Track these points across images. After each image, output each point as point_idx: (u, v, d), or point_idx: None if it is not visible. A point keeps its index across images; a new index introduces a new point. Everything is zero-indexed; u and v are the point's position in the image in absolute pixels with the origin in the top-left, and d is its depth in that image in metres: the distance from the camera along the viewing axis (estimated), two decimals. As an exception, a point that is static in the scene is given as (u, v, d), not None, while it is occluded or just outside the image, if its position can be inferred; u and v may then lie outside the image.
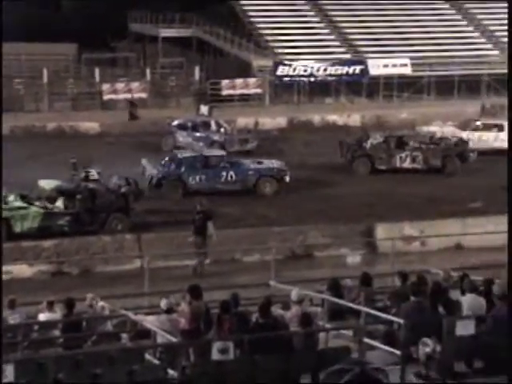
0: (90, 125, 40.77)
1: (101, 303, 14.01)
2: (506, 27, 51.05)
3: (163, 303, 12.93)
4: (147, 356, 11.64)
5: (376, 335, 13.22)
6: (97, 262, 21.99)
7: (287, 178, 29.36)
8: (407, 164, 32.33)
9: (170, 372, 11.03)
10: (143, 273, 19.20)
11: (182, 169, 29.00)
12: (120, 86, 45.08)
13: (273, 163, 30.24)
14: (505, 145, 32.46)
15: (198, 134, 36.34)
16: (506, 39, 50.36)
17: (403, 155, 32.40)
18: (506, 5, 52.02)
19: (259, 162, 30.15)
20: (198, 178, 28.90)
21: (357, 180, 31.22)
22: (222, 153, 30.76)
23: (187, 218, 23.41)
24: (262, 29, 49.94)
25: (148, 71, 47.57)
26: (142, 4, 54.87)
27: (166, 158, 29.94)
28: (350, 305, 13.99)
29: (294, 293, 13.35)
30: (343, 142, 33.65)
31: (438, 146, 33.05)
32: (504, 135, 34.65)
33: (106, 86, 44.92)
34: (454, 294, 13.54)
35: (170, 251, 22.13)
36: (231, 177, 29.09)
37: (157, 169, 29.17)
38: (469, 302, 12.87)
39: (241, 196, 28.33)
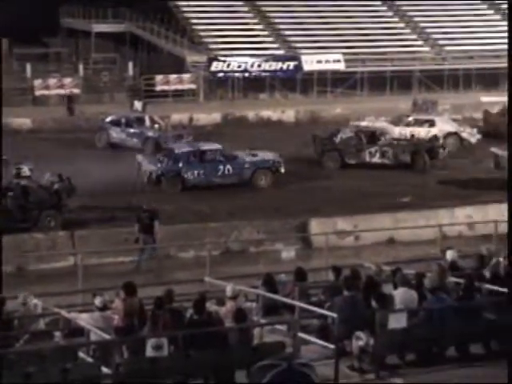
0: (21, 121, 40.18)
1: (34, 301, 13.83)
2: (435, 24, 51.94)
3: (97, 300, 12.82)
4: (81, 354, 11.55)
5: (310, 330, 13.33)
6: (30, 259, 21.71)
7: (282, 170, 29.60)
8: (377, 159, 32.27)
9: (104, 369, 10.96)
10: (77, 270, 19.02)
11: (180, 164, 29.00)
12: (52, 81, 44.55)
13: (268, 155, 30.51)
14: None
15: (131, 131, 36.10)
16: (437, 36, 51.22)
17: (373, 150, 32.39)
18: (437, 2, 52.91)
19: (254, 155, 30.25)
20: (196, 172, 28.96)
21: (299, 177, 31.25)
22: (218, 146, 30.37)
23: (123, 214, 23.25)
24: (196, 24, 49.82)
25: (81, 67, 47.09)
26: (74, -1, 54.30)
27: (162, 153, 30.00)
28: (285, 300, 14.06)
29: (229, 288, 13.38)
30: (316, 136, 33.72)
31: (408, 142, 33.09)
32: (435, 130, 35.16)
33: (37, 82, 44.36)
34: (387, 288, 13.69)
35: (104, 248, 21.95)
36: (228, 170, 29.19)
37: (153, 164, 29.17)
38: (401, 295, 13.03)
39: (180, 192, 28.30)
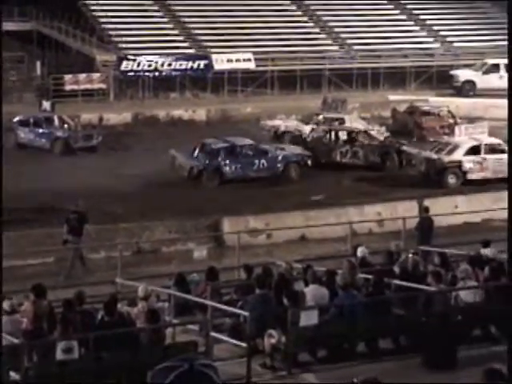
0: None
1: None
2: (344, 23, 52.56)
3: (6, 304, 12.60)
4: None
5: (223, 328, 13.35)
6: None
7: (309, 162, 30.73)
8: (347, 159, 32.37)
9: (13, 374, 10.77)
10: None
11: (219, 159, 29.91)
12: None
13: (296, 149, 31.74)
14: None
15: (40, 131, 35.56)
16: (345, 35, 51.81)
17: (343, 150, 32.49)
18: (345, 2, 53.56)
19: (282, 149, 31.55)
20: (233, 167, 30.03)
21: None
22: (251, 142, 31.44)
23: (29, 216, 22.84)
24: (105, 23, 49.32)
25: (-13, 66, 46.12)
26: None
27: (197, 148, 30.55)
28: (197, 299, 14.05)
29: (141, 289, 13.31)
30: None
31: (379, 143, 33.14)
32: (345, 128, 35.51)
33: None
34: (298, 285, 13.81)
35: (12, 251, 21.55)
36: (263, 164, 30.31)
37: (190, 159, 30.01)
38: (312, 292, 13.15)
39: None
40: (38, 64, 47.02)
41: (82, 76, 45.09)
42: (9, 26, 51.03)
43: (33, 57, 48.50)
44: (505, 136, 37.80)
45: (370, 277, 14.04)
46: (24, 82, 46.31)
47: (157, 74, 45.91)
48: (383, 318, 12.88)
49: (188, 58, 47.04)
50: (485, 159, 30.05)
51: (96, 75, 45.59)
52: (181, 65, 46.37)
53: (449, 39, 52.69)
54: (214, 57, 47.13)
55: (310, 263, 15.45)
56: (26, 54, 49.48)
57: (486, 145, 30.41)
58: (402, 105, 40.51)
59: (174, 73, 46.26)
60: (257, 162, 30.28)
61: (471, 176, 29.99)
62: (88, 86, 45.04)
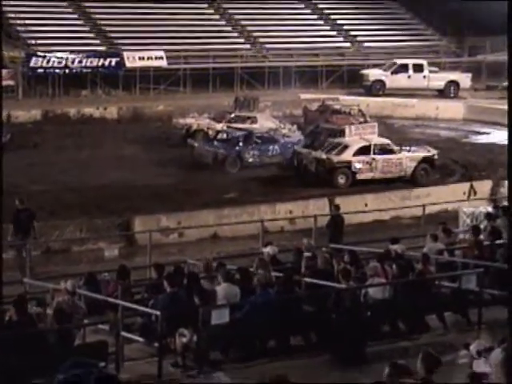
0: None
1: None
2: (256, 22, 52.77)
3: None
4: None
5: (134, 328, 13.27)
6: None
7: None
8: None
9: None
10: None
11: (240, 145, 32.07)
12: None
13: (299, 136, 34.12)
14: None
15: None
16: (257, 34, 52.02)
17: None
18: (256, 0, 53.80)
19: (288, 136, 33.83)
20: (252, 153, 32.12)
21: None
22: (263, 129, 33.97)
23: None
24: (13, 18, 48.43)
25: None
26: None
27: (218, 136, 33.33)
28: (107, 299, 13.93)
29: (69, 283, 13.06)
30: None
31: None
32: (257, 127, 35.70)
33: None
34: (209, 284, 13.81)
35: None
36: (276, 151, 32.39)
37: (212, 147, 32.28)
38: (224, 290, 13.17)
39: None
40: None
41: (-10, 72, 44.19)
42: None
43: None
44: (412, 136, 38.71)
45: (280, 275, 14.14)
46: None
47: (67, 71, 45.27)
48: (294, 316, 12.98)
49: (99, 55, 46.55)
50: (374, 159, 30.25)
51: (4, 72, 44.67)
52: (92, 62, 45.85)
53: (359, 39, 53.39)
54: (125, 54, 46.75)
55: (221, 261, 15.45)
56: None
57: (375, 145, 30.58)
58: (314, 103, 40.87)
59: (84, 70, 45.70)
60: (271, 148, 32.43)
61: (360, 176, 30.16)
62: (-4, 83, 44.16)
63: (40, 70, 44.98)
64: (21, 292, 14.82)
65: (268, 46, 51.15)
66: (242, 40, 51.86)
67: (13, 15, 48.34)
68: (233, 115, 37.07)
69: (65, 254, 22.70)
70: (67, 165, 31.57)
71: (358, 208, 25.89)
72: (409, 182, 30.29)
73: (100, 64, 46.00)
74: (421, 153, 31.38)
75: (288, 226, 25.26)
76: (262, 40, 51.69)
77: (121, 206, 26.15)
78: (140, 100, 44.59)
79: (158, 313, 12.21)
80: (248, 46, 51.41)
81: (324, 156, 30.54)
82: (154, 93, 46.36)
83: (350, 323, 12.67)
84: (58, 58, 45.10)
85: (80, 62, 45.55)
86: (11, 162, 31.56)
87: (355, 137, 31.26)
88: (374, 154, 30.42)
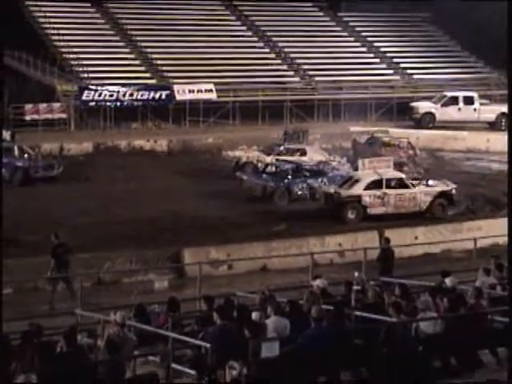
0: None
1: None
2: (306, 55, 52.97)
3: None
4: None
5: (184, 360, 13.25)
6: None
7: None
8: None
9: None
10: None
11: (289, 178, 32.29)
12: None
13: (348, 168, 34.18)
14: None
15: (-1, 160, 35.25)
16: (307, 66, 52.18)
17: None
18: (307, 33, 54.01)
19: (336, 169, 34.18)
20: (300, 186, 32.26)
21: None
22: (313, 162, 34.29)
23: None
24: (67, 53, 49.21)
25: None
26: None
27: (267, 169, 33.71)
28: (158, 330, 13.94)
29: (118, 315, 13.08)
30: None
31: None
32: (306, 159, 35.71)
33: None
34: (259, 316, 13.75)
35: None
36: (324, 183, 32.21)
37: (261, 179, 32.51)
38: (273, 323, 13.11)
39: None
40: (-2, 93, 46.71)
41: (43, 106, 44.90)
42: (-32, 55, 50.74)
43: (-8, 86, 48.18)
44: (463, 169, 38.40)
45: (330, 308, 14.03)
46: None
47: (118, 104, 45.85)
48: (344, 350, 12.86)
49: (150, 88, 47.06)
50: (385, 194, 29.72)
51: (56, 105, 45.41)
52: (142, 95, 46.37)
53: (409, 71, 53.30)
54: (175, 87, 47.20)
55: (271, 293, 15.40)
56: (-15, 83, 49.13)
57: (387, 179, 30.01)
58: (363, 136, 40.81)
59: (135, 103, 46.23)
60: (320, 180, 32.42)
61: (372, 211, 29.64)
62: (48, 116, 44.84)
63: (92, 103, 45.58)
64: (72, 323, 14.90)
65: (317, 78, 51.27)
66: (291, 73, 52.06)
67: (66, 49, 49.12)
68: (282, 148, 37.15)
69: (115, 286, 22.82)
70: (118, 197, 31.83)
71: (408, 241, 25.70)
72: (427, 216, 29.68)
73: (150, 97, 46.50)
74: (437, 187, 30.72)
75: (337, 258, 25.15)
76: (311, 73, 51.84)
77: (170, 238, 26.28)
78: (190, 132, 44.92)
79: (208, 345, 12.19)
80: (297, 79, 51.59)
81: (332, 190, 30.23)
82: (204, 125, 46.68)
83: (401, 358, 12.51)
84: (109, 91, 45.69)
85: (131, 95, 46.09)
86: (63, 195, 32.14)
87: (368, 171, 30.66)
88: (387, 188, 29.85)
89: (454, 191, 30.77)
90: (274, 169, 33.79)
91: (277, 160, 35.28)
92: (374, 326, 13.64)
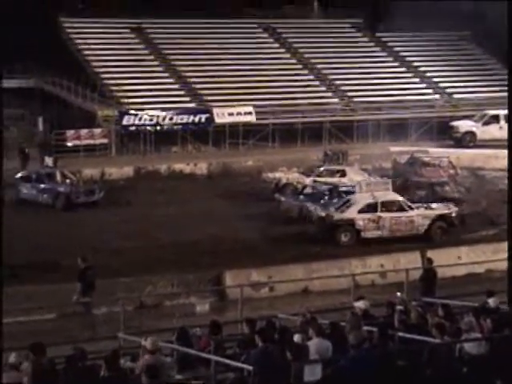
0: None
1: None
2: (344, 75, 52.96)
3: (11, 357, 12.52)
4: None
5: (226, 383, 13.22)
6: None
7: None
8: None
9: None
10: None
11: (326, 198, 32.41)
12: (-42, 138, 43.65)
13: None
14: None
15: (42, 186, 35.65)
16: (345, 87, 52.15)
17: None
18: (345, 54, 54.04)
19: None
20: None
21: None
22: (353, 183, 33.59)
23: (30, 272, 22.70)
24: (107, 79, 49.73)
25: (-12, 123, 46.40)
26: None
27: (305, 190, 34.08)
28: (200, 354, 13.94)
29: (149, 341, 13.12)
30: None
31: None
32: (346, 180, 35.64)
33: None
34: (301, 338, 13.69)
35: (16, 306, 21.47)
36: None
37: (297, 201, 32.71)
38: (316, 345, 13.04)
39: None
40: (41, 120, 47.29)
41: (84, 131, 45.36)
42: (11, 83, 51.54)
43: (34, 113, 48.79)
44: (504, 187, 37.99)
45: (372, 329, 13.94)
46: (25, 138, 46.51)
47: (158, 128, 46.17)
48: (387, 371, 12.75)
49: (189, 111, 47.36)
50: (380, 217, 29.26)
51: (97, 130, 45.85)
52: (182, 119, 46.67)
53: (448, 91, 53.05)
54: (215, 110, 47.45)
55: (313, 315, 15.35)
56: (27, 110, 49.77)
57: (382, 202, 29.48)
58: (403, 156, 40.64)
59: (175, 127, 46.52)
60: None
61: (366, 234, 29.18)
62: (90, 141, 45.28)
63: (132, 128, 45.95)
64: (114, 347, 14.95)
65: (356, 99, 51.22)
66: (330, 94, 52.08)
67: (106, 75, 49.64)
68: (322, 169, 37.12)
69: (157, 309, 22.88)
70: (159, 221, 31.98)
71: (451, 261, 25.48)
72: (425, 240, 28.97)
73: (190, 121, 46.78)
74: (436, 210, 30.18)
75: (379, 279, 24.99)
76: (350, 94, 51.82)
77: (211, 261, 26.31)
78: (229, 155, 45.06)
79: (251, 368, 12.15)
80: (336, 100, 51.59)
81: (323, 213, 29.97)
82: (243, 148, 46.81)
83: (445, 380, 12.38)
84: (149, 115, 46.06)
85: (171, 119, 46.41)
86: (104, 219, 32.36)
87: (366, 193, 30.20)
88: (382, 211, 29.35)
89: (454, 214, 30.12)
90: (310, 190, 33.75)
91: (314, 181, 35.22)
92: (417, 348, 13.52)
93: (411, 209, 29.80)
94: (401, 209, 29.67)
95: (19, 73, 52.30)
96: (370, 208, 29.39)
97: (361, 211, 29.36)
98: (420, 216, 29.65)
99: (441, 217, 29.87)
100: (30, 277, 24.22)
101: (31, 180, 36.06)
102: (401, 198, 30.30)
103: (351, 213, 29.40)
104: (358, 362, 12.56)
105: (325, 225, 29.53)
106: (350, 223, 29.16)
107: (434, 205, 30.81)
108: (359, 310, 15.58)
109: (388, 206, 29.64)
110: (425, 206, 30.53)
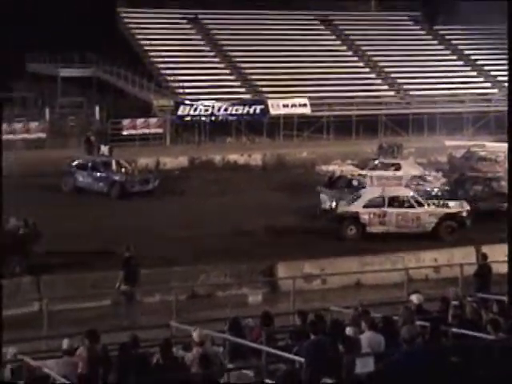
0: (-14, 165, 39.77)
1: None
2: (400, 68, 52.59)
3: (65, 343, 12.69)
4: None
5: (277, 375, 13.22)
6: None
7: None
8: None
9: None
10: (42, 316, 18.79)
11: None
12: (18, 126, 44.34)
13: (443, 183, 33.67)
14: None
15: (98, 174, 36.01)
16: (401, 80, 51.79)
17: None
18: (402, 47, 53.66)
19: (421, 184, 33.22)
20: None
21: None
22: (408, 176, 33.32)
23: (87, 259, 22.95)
24: (163, 69, 50.02)
25: (47, 111, 46.97)
26: (40, 44, 54.24)
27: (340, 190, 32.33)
28: (251, 344, 13.97)
29: (196, 333, 13.24)
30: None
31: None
32: (401, 173, 35.40)
33: (2, 126, 44.05)
34: (353, 331, 13.66)
35: (71, 293, 21.74)
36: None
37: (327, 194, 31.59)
38: (368, 339, 13.00)
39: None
40: (97, 109, 47.77)
41: (140, 121, 45.71)
42: (69, 72, 52.19)
43: (91, 102, 49.29)
44: None
45: (425, 324, 13.85)
46: (82, 126, 47.01)
47: (213, 118, 46.33)
48: (440, 367, 12.66)
49: (244, 103, 47.43)
50: (386, 212, 28.61)
51: (153, 120, 46.16)
52: (237, 110, 46.77)
53: (506, 84, 52.29)
54: (269, 102, 47.47)
55: (366, 309, 15.29)
56: (85, 99, 50.30)
57: (389, 198, 28.81)
58: (459, 150, 40.23)
59: (230, 118, 46.65)
60: None
61: (371, 229, 28.55)
62: (145, 131, 45.63)
63: (187, 118, 46.17)
64: (167, 336, 15.05)
65: (412, 92, 50.84)
66: (386, 87, 51.77)
67: (162, 65, 49.94)
68: (376, 162, 36.91)
69: (209, 299, 22.97)
70: (212, 210, 32.10)
71: (506, 257, 25.11)
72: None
73: (245, 112, 46.86)
74: (444, 208, 29.17)
75: (432, 274, 24.78)
76: (405, 87, 51.45)
77: (264, 252, 26.32)
78: (283, 147, 45.04)
79: (303, 360, 12.16)
80: (392, 93, 51.27)
81: (328, 206, 29.54)
82: (298, 140, 46.76)
83: (499, 378, 12.26)
84: (204, 106, 46.23)
85: (225, 109, 46.54)
86: (159, 208, 32.57)
87: (377, 188, 29.59)
88: (389, 206, 28.68)
89: (464, 214, 29.08)
90: (356, 183, 33.17)
91: (359, 175, 34.75)
92: (471, 344, 13.40)
93: (420, 205, 28.98)
94: (409, 205, 28.93)
95: (78, 62, 52.88)
96: (377, 202, 28.84)
97: (366, 205, 28.82)
98: (427, 213, 28.85)
99: (450, 215, 28.94)
100: (87, 263, 24.48)
101: (87, 168, 36.43)
102: (410, 194, 29.58)
103: (356, 206, 28.89)
104: (411, 357, 12.50)
105: (330, 217, 29.28)
106: (355, 216, 28.65)
107: (450, 203, 29.79)
108: (413, 304, 15.48)
109: (395, 201, 28.96)
110: (437, 203, 29.59)
